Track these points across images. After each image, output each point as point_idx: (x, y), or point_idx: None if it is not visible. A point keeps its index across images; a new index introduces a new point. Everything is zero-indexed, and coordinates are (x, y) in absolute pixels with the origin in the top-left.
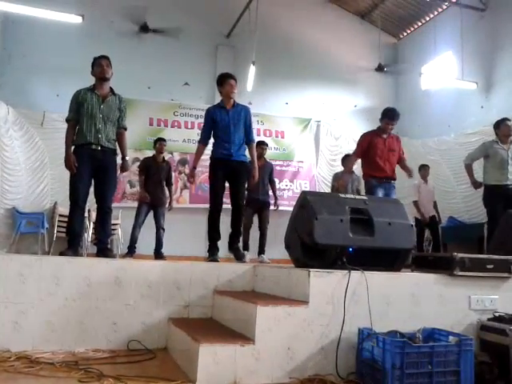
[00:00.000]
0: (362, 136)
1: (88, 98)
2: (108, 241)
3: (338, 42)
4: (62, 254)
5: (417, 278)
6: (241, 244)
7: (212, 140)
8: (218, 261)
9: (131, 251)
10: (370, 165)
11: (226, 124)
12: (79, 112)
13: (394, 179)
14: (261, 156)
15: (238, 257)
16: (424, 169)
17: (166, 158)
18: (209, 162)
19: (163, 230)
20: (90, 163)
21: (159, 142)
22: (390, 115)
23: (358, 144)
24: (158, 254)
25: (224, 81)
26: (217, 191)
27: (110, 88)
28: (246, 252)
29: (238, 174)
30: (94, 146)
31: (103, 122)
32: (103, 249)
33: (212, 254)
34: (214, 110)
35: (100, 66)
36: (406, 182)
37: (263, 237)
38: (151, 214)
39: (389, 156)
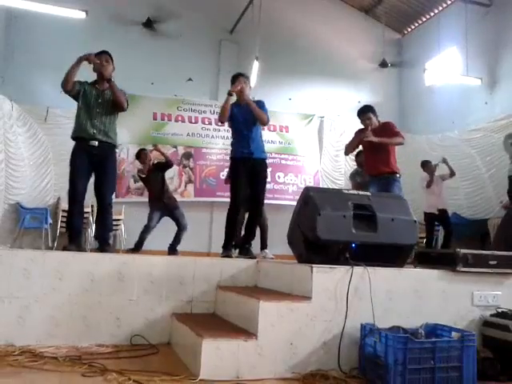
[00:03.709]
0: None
1: (88, 89)
2: (109, 236)
3: (342, 37)
4: (65, 248)
5: (420, 273)
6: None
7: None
8: (231, 257)
9: (137, 248)
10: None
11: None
12: (78, 90)
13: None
14: None
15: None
16: (427, 166)
17: (159, 158)
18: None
19: (186, 229)
20: (88, 159)
21: (142, 152)
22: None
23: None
24: (173, 251)
25: None
26: None
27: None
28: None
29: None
30: (91, 142)
31: (100, 116)
32: (103, 244)
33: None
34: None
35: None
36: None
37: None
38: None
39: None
